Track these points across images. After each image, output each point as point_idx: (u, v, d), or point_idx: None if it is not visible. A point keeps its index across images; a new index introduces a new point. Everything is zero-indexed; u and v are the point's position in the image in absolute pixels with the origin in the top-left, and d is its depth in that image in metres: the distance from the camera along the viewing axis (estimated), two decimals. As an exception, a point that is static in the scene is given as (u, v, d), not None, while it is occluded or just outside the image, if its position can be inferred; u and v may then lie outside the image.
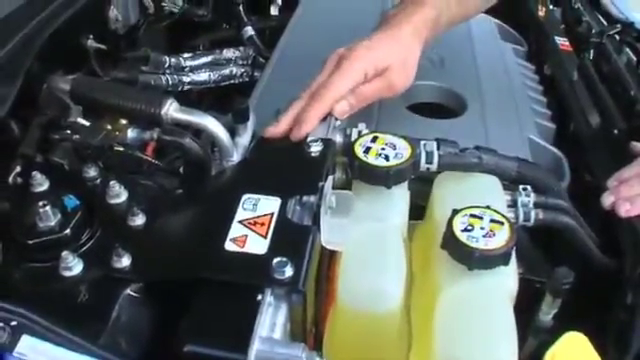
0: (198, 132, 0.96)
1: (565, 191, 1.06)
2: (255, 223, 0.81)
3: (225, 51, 1.48)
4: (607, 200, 1.02)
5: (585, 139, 1.22)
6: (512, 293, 0.85)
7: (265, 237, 0.79)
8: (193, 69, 1.43)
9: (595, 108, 1.25)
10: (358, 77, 0.98)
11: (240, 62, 1.49)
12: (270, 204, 0.83)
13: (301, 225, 0.81)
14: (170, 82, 1.38)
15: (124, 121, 0.95)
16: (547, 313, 0.99)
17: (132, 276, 0.80)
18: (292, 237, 0.79)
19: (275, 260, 0.74)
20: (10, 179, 0.95)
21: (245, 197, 0.84)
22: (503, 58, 1.37)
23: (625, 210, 1.00)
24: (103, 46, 1.17)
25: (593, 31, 1.42)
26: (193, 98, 1.48)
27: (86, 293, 0.79)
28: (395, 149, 0.88)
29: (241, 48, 1.50)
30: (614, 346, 0.92)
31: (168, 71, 1.38)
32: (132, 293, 0.80)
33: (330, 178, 0.85)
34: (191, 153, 0.91)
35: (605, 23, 1.48)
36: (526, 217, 0.96)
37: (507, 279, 0.84)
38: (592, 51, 1.36)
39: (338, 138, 0.96)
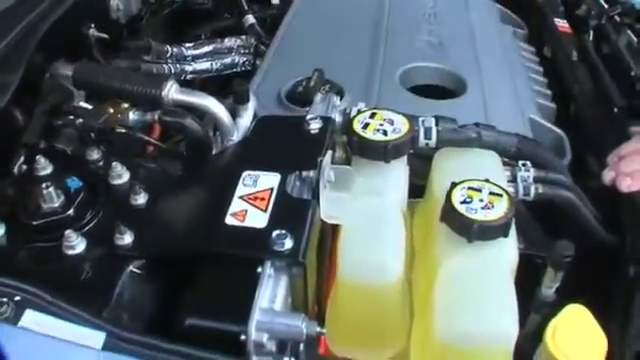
0: (201, 116, 0.97)
1: (566, 167, 1.06)
2: (255, 198, 0.82)
3: (227, 40, 1.49)
4: (608, 176, 1.02)
5: (585, 118, 1.22)
6: (512, 264, 0.85)
7: (265, 211, 0.80)
8: (195, 58, 1.44)
9: (595, 88, 1.25)
10: None
11: (242, 51, 1.50)
12: (270, 180, 0.84)
13: (300, 199, 0.82)
14: (172, 71, 1.38)
15: (126, 104, 0.96)
16: (549, 287, 0.99)
17: (134, 253, 0.81)
18: (291, 211, 0.80)
19: (275, 233, 0.75)
20: (15, 169, 0.96)
21: (245, 174, 0.85)
22: (503, 40, 1.37)
23: (626, 185, 1.00)
24: (105, 35, 1.18)
25: (592, 12, 1.41)
26: (196, 87, 1.48)
27: (90, 270, 0.80)
28: (393, 124, 0.89)
29: (243, 37, 1.50)
30: (616, 318, 0.92)
31: (170, 60, 1.39)
32: (135, 270, 0.81)
33: (329, 153, 0.85)
34: (192, 133, 0.92)
35: (606, 6, 1.48)
36: (526, 191, 0.96)
37: (507, 250, 0.84)
38: (592, 32, 1.35)
39: (338, 117, 0.97)
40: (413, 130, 0.89)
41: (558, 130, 1.18)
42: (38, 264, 0.82)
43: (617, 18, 1.42)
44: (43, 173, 0.88)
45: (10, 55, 0.96)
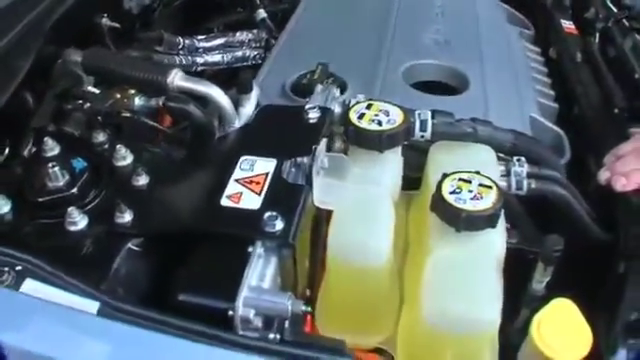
0: (205, 104, 1.00)
1: (562, 165, 1.08)
2: (251, 182, 0.85)
3: (238, 34, 1.52)
4: (603, 175, 1.03)
5: (587, 119, 1.23)
6: (500, 255, 0.87)
7: (259, 194, 0.83)
8: (206, 50, 1.47)
9: (597, 89, 1.26)
10: None
11: (253, 44, 1.53)
12: (266, 165, 0.87)
13: (294, 184, 0.85)
14: (184, 62, 1.41)
15: (133, 90, 1.00)
16: (539, 281, 1.00)
17: (133, 231, 0.84)
18: (285, 195, 0.83)
19: (266, 214, 0.78)
20: (25, 151, 0.99)
21: (243, 158, 0.88)
22: (508, 40, 1.38)
23: (621, 185, 1.01)
24: (117, 24, 1.22)
25: (600, 16, 1.43)
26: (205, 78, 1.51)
27: (90, 246, 0.84)
28: (388, 115, 0.91)
29: (254, 31, 1.53)
30: (603, 314, 0.93)
31: (182, 52, 1.42)
32: (133, 247, 0.84)
33: (324, 141, 0.88)
34: (195, 119, 0.95)
35: (614, 9, 1.49)
36: (518, 186, 0.97)
37: (495, 241, 0.87)
38: (598, 35, 1.37)
39: (337, 108, 0.99)
40: (408, 121, 0.91)
41: (558, 129, 1.20)
42: (41, 239, 0.85)
43: (625, 22, 1.43)
44: (50, 154, 0.91)
45: (22, 41, 1.00)
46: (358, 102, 0.94)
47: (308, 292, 0.90)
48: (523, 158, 1.01)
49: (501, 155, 1.02)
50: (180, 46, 1.42)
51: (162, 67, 0.97)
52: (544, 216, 1.08)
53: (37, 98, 1.04)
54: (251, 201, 0.82)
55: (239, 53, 1.52)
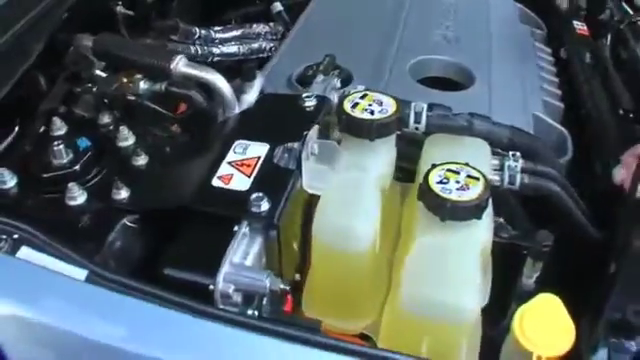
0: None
1: (560, 163, 1.08)
2: (242, 164, 0.88)
3: (255, 26, 1.55)
4: (618, 174, 1.02)
5: (592, 119, 1.23)
6: (484, 247, 0.88)
7: (249, 177, 0.86)
8: (223, 41, 1.50)
9: (605, 90, 1.26)
10: None
11: (269, 37, 1.56)
12: (259, 149, 0.90)
13: (284, 168, 0.88)
14: (199, 52, 1.45)
15: (139, 75, 1.03)
16: (529, 277, 1.02)
17: (129, 207, 0.88)
18: (274, 178, 0.86)
19: (253, 195, 0.81)
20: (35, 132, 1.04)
21: (237, 142, 0.91)
22: (519, 39, 1.39)
23: None
24: (131, 12, 1.26)
25: (615, 18, 1.42)
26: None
27: (87, 220, 0.87)
28: (381, 105, 0.93)
29: (271, 24, 1.57)
30: (589, 312, 0.93)
31: (198, 42, 1.46)
32: (128, 223, 0.87)
33: (315, 127, 0.90)
34: (196, 103, 0.99)
35: (631, 12, 1.48)
36: (511, 180, 0.98)
37: (479, 232, 0.87)
38: (610, 36, 1.36)
39: (335, 98, 1.01)
40: (400, 112, 0.93)
41: (561, 128, 1.20)
42: (43, 212, 0.89)
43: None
44: (57, 133, 0.96)
45: (37, 25, 1.04)
46: (353, 92, 0.96)
47: (298, 277, 0.92)
48: (518, 153, 1.01)
49: (499, 150, 1.03)
50: (196, 36, 1.45)
51: (166, 53, 1.00)
52: (543, 213, 1.09)
53: (50, 81, 1.09)
54: (241, 183, 0.85)
55: (255, 45, 1.55)
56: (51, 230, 0.79)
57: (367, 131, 0.91)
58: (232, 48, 1.53)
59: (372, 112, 0.92)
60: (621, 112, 1.21)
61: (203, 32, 1.47)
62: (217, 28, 1.51)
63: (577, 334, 0.79)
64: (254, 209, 0.80)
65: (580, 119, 1.29)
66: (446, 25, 1.37)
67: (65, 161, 0.92)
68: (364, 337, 0.91)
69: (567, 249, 1.05)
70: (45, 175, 0.92)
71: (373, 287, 0.89)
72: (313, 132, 0.89)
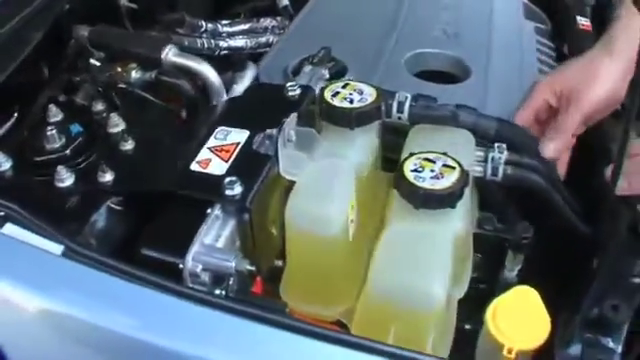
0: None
1: None
2: (221, 150, 0.90)
3: (262, 20, 1.57)
4: (609, 171, 1.02)
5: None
6: (459, 237, 0.88)
7: (227, 162, 0.88)
8: (230, 35, 1.53)
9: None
10: None
11: (277, 31, 1.58)
12: (239, 135, 0.93)
13: (262, 154, 0.90)
14: (206, 45, 1.47)
15: (134, 64, 1.07)
16: (511, 270, 1.02)
17: (113, 189, 0.91)
18: (250, 163, 0.88)
19: (227, 179, 0.83)
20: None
21: (219, 129, 0.94)
22: (520, 34, 1.38)
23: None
24: (134, 5, 1.29)
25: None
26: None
27: (74, 201, 0.91)
28: (362, 94, 0.94)
29: (278, 18, 1.58)
30: (567, 307, 0.92)
31: (205, 35, 1.49)
32: (112, 205, 0.91)
33: (293, 115, 0.92)
34: (184, 92, 1.02)
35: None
36: (494, 172, 0.98)
37: (453, 222, 0.88)
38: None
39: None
40: (380, 101, 0.94)
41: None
42: (34, 193, 0.93)
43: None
44: (53, 120, 1.00)
45: (37, 16, 1.08)
46: (335, 81, 0.98)
47: (280, 263, 0.94)
48: (504, 145, 1.01)
49: (486, 142, 1.03)
50: (203, 29, 1.48)
51: (157, 43, 1.03)
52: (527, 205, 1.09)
53: (53, 71, 1.13)
54: (218, 167, 0.87)
55: (263, 39, 1.57)
56: (39, 210, 0.83)
57: (346, 119, 0.92)
58: (239, 42, 1.54)
59: (352, 101, 0.94)
60: (619, 107, 1.20)
61: (210, 26, 1.49)
62: (224, 22, 1.52)
63: (554, 329, 0.78)
64: (227, 192, 0.83)
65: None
66: (447, 20, 1.37)
67: (57, 145, 0.96)
68: (342, 324, 0.92)
69: (555, 244, 1.04)
70: (37, 158, 0.96)
71: (348, 274, 0.90)
72: (291, 119, 0.91)
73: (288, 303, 0.90)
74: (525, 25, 1.42)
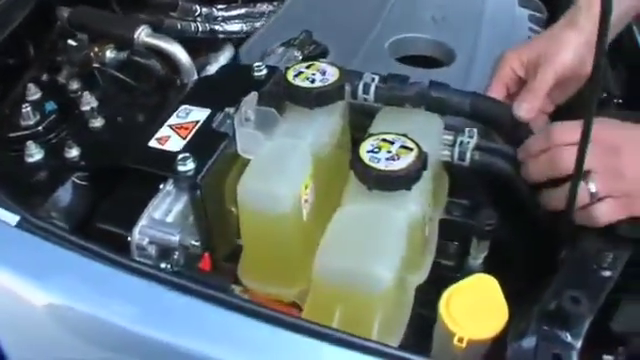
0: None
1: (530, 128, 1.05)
2: (181, 127, 0.92)
3: (259, 5, 1.58)
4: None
5: (576, 102, 1.19)
6: (415, 220, 0.87)
7: (184, 139, 0.89)
8: (226, 19, 1.54)
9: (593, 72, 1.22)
10: None
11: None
12: (200, 114, 0.94)
13: (220, 132, 0.91)
14: (200, 29, 1.49)
15: (112, 45, 1.09)
16: (475, 257, 1.00)
17: (77, 164, 0.94)
18: (207, 141, 0.89)
19: (181, 155, 0.84)
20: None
21: (182, 107, 0.95)
22: (513, 22, 1.36)
23: None
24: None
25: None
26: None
27: (41, 176, 0.94)
28: (324, 75, 0.94)
29: (275, 3, 1.59)
30: (528, 297, 0.90)
31: (199, 19, 1.50)
32: (77, 180, 0.93)
33: (253, 94, 0.92)
34: (155, 72, 1.03)
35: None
36: (461, 156, 0.97)
37: (408, 204, 0.86)
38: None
39: (293, 70, 1.03)
40: (342, 81, 0.94)
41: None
42: (6, 168, 0.96)
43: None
44: (31, 98, 1.03)
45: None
46: (300, 62, 0.98)
47: (241, 242, 0.95)
48: (475, 130, 1.00)
49: (455, 126, 1.02)
50: (197, 13, 1.49)
51: (130, 23, 1.05)
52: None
53: (35, 49, 1.16)
54: (175, 144, 0.89)
55: (258, 24, 1.57)
56: (7, 183, 0.87)
57: (306, 100, 0.92)
58: (235, 26, 1.55)
59: (313, 81, 0.94)
60: (605, 95, 1.18)
61: (204, 10, 1.51)
62: (220, 6, 1.54)
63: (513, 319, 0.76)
64: (180, 168, 0.84)
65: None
66: (436, 4, 1.36)
67: (32, 122, 0.99)
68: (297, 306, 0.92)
69: (523, 233, 1.03)
70: (12, 135, 0.99)
71: (304, 254, 0.89)
72: (249, 98, 0.91)
73: (246, 283, 0.92)
74: (518, 12, 1.40)
